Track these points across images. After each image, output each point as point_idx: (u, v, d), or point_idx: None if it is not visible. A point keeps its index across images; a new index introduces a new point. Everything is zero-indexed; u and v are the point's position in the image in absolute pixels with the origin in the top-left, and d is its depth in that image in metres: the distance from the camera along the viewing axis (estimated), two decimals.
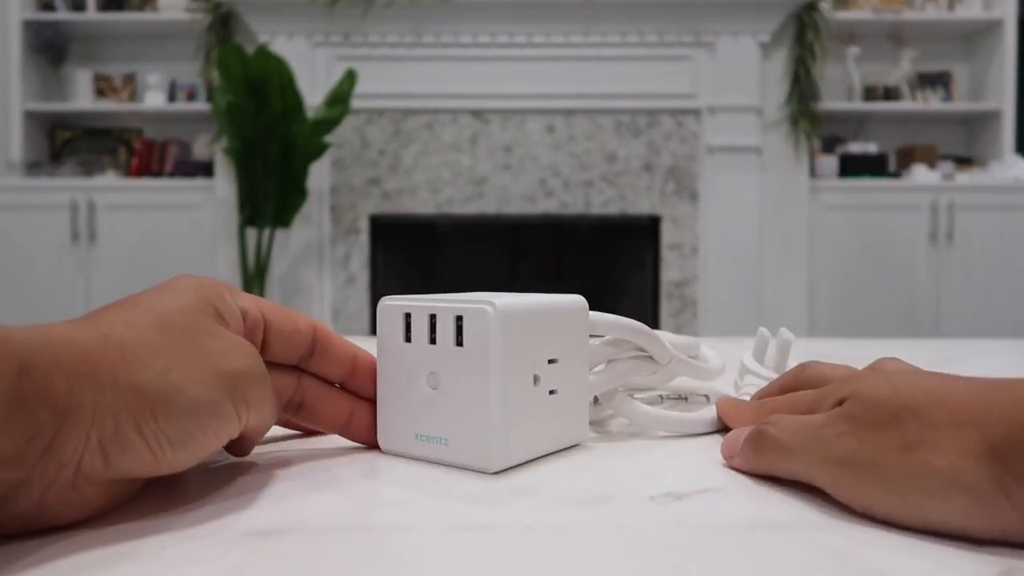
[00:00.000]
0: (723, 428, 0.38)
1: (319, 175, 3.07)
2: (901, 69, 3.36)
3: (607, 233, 3.37)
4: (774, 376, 0.41)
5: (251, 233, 2.95)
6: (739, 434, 0.32)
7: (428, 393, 0.31)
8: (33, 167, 3.34)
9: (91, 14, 3.33)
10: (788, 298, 3.17)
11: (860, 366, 0.35)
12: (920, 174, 3.23)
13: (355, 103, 2.92)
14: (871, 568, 0.22)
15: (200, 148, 3.41)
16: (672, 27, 3.08)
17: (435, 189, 3.12)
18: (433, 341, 0.31)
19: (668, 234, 3.12)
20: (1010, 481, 0.22)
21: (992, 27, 3.34)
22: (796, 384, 0.34)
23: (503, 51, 3.09)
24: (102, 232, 3.18)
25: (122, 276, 3.18)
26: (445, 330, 0.31)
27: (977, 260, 3.15)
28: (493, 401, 0.30)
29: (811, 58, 3.12)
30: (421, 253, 3.48)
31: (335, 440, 0.36)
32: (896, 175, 3.34)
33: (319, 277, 3.13)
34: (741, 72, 3.09)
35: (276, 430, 0.38)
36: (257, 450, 0.34)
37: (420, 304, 0.32)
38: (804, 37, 3.13)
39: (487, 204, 3.12)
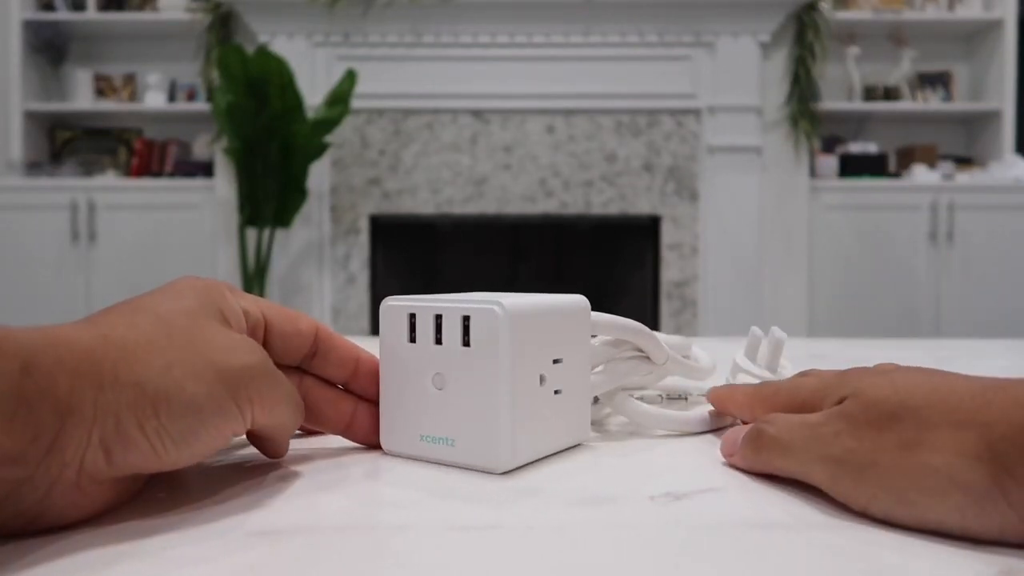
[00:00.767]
0: (723, 427, 0.38)
1: (319, 175, 3.07)
2: (901, 69, 3.36)
3: (607, 233, 3.37)
4: (767, 375, 0.41)
5: (251, 233, 2.95)
6: (738, 432, 0.32)
7: (434, 394, 0.31)
8: (33, 167, 3.34)
9: (91, 14, 3.33)
10: (788, 298, 3.17)
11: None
12: (920, 174, 3.23)
13: (355, 103, 2.92)
14: (871, 568, 0.22)
15: (200, 148, 3.41)
16: (672, 27, 3.08)
17: (435, 189, 3.12)
18: (439, 341, 0.31)
19: (668, 234, 3.12)
20: (1008, 481, 0.22)
21: (992, 27, 3.34)
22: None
23: (503, 51, 3.09)
24: (102, 232, 3.18)
25: (122, 276, 3.18)
26: (451, 330, 0.31)
27: (977, 260, 3.15)
28: (501, 401, 0.30)
29: (811, 58, 3.12)
30: (421, 253, 3.48)
31: (337, 440, 0.36)
32: (896, 175, 3.34)
33: (319, 277, 3.13)
34: (741, 72, 3.09)
35: None
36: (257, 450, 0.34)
37: (425, 304, 0.31)
38: (804, 37, 3.13)
39: (487, 204, 3.12)
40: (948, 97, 3.43)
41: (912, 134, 3.48)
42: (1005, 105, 3.30)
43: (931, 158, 3.32)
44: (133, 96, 3.46)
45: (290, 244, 3.10)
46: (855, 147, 3.36)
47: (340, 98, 2.78)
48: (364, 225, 3.13)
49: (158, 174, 3.37)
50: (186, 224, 3.19)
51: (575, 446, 0.35)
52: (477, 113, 3.11)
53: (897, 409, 0.25)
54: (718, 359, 0.46)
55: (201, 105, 3.31)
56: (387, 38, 3.10)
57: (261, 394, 0.27)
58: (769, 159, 3.14)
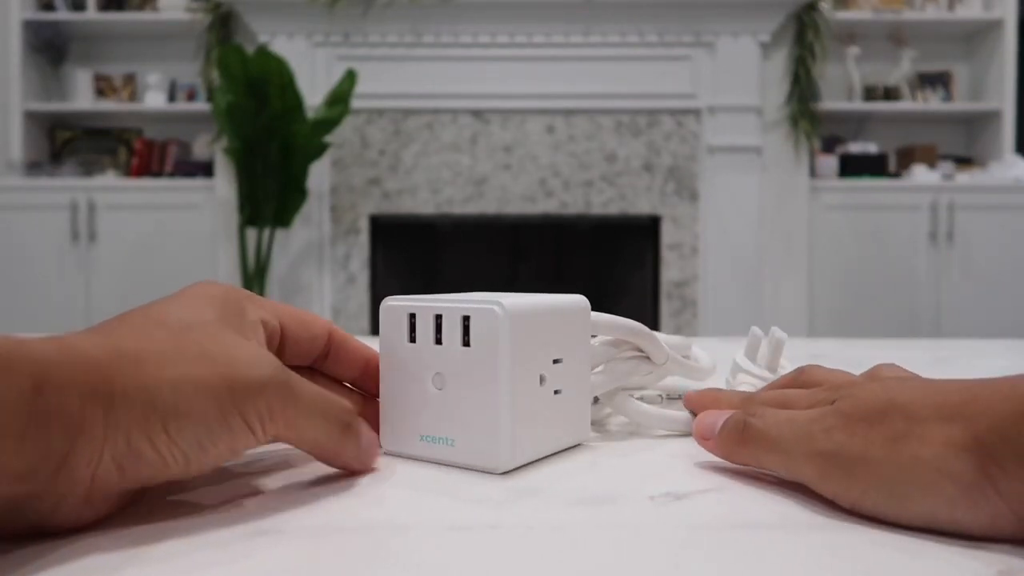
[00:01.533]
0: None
1: (319, 175, 3.07)
2: (901, 69, 3.36)
3: (607, 233, 3.37)
4: (767, 375, 0.41)
5: (251, 233, 2.95)
6: (715, 416, 0.31)
7: (434, 394, 0.31)
8: (33, 167, 3.34)
9: (91, 14, 3.33)
10: (788, 298, 3.17)
11: (860, 366, 0.35)
12: (920, 174, 3.23)
13: (355, 103, 2.92)
14: (871, 568, 0.22)
15: (200, 148, 3.41)
16: (672, 27, 3.08)
17: (435, 189, 3.12)
18: (439, 341, 0.31)
19: (668, 234, 3.12)
20: (995, 470, 0.23)
21: (992, 27, 3.34)
22: (793, 385, 0.34)
23: (503, 51, 3.09)
24: (102, 232, 3.18)
25: (122, 276, 3.18)
26: (451, 330, 0.30)
27: (977, 260, 3.15)
28: (501, 401, 0.30)
29: (811, 58, 3.12)
30: (421, 253, 3.48)
31: None
32: (896, 175, 3.34)
33: (319, 277, 3.13)
34: (741, 72, 3.09)
35: None
36: (260, 450, 0.34)
37: (425, 304, 0.31)
38: (804, 37, 3.13)
39: (487, 204, 3.13)
40: (948, 97, 3.43)
41: (912, 134, 3.48)
42: (1005, 105, 3.30)
43: (931, 158, 3.32)
44: (133, 96, 3.46)
45: (290, 244, 3.10)
46: (855, 147, 3.36)
47: (340, 98, 2.78)
48: (364, 225, 3.13)
49: (158, 174, 3.37)
50: (186, 224, 3.19)
51: (575, 446, 0.35)
52: (477, 113, 3.11)
53: (887, 406, 0.26)
54: (718, 359, 0.46)
55: (201, 105, 3.31)
56: (387, 38, 3.10)
57: (274, 410, 0.26)
58: (769, 159, 3.14)
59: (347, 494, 0.28)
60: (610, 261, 3.46)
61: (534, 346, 0.31)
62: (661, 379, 0.40)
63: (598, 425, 0.40)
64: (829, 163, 3.27)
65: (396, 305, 0.32)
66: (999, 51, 3.31)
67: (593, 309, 0.35)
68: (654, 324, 3.13)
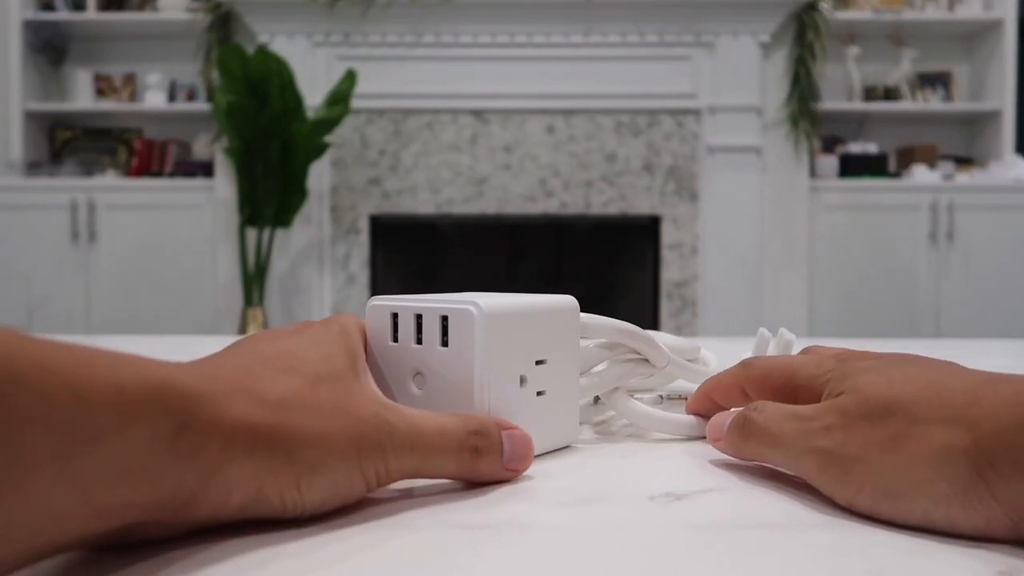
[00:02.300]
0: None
1: (319, 175, 3.07)
2: (901, 69, 3.36)
3: (607, 233, 3.37)
4: None
5: (251, 233, 2.95)
6: (725, 416, 0.32)
7: (415, 393, 0.31)
8: (33, 167, 3.34)
9: (91, 14, 3.33)
10: (788, 298, 3.17)
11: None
12: (920, 174, 3.23)
13: (355, 103, 2.92)
14: (870, 567, 0.22)
15: (200, 148, 3.41)
16: (672, 27, 3.08)
17: (435, 189, 3.12)
18: (420, 341, 0.31)
19: (668, 234, 3.12)
20: (992, 475, 0.23)
21: (992, 27, 3.34)
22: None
23: (503, 51, 3.09)
24: (102, 232, 3.18)
25: (122, 276, 3.18)
26: (431, 330, 0.30)
27: (977, 260, 3.15)
28: (478, 402, 0.30)
29: (811, 58, 3.12)
30: (421, 253, 3.48)
31: None
32: (896, 175, 3.34)
33: (319, 277, 3.13)
34: (741, 72, 3.09)
35: None
36: None
37: (407, 304, 0.31)
38: (804, 37, 3.13)
39: (487, 204, 3.13)
40: (948, 97, 3.43)
41: (912, 134, 3.48)
42: (1005, 105, 3.30)
43: (931, 158, 3.32)
44: (133, 96, 3.46)
45: (290, 244, 3.10)
46: (855, 147, 3.36)
47: (340, 98, 2.78)
48: (364, 225, 3.13)
49: (158, 174, 3.37)
50: (186, 224, 3.19)
51: (575, 447, 0.35)
52: (477, 113, 3.11)
53: (889, 404, 0.26)
54: (720, 360, 0.46)
55: (201, 105, 3.31)
56: (387, 38, 3.10)
57: (390, 465, 0.26)
58: (769, 159, 3.14)
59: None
60: (610, 261, 3.46)
61: (514, 347, 0.31)
62: (670, 382, 0.40)
63: (599, 426, 0.40)
64: (829, 163, 3.27)
65: (380, 305, 0.32)
66: (999, 51, 3.31)
67: (593, 309, 0.35)
68: (654, 324, 3.13)
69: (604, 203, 3.12)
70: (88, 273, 3.19)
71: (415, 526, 0.25)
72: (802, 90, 3.13)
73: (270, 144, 2.71)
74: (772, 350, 0.42)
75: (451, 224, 3.27)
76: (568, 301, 0.34)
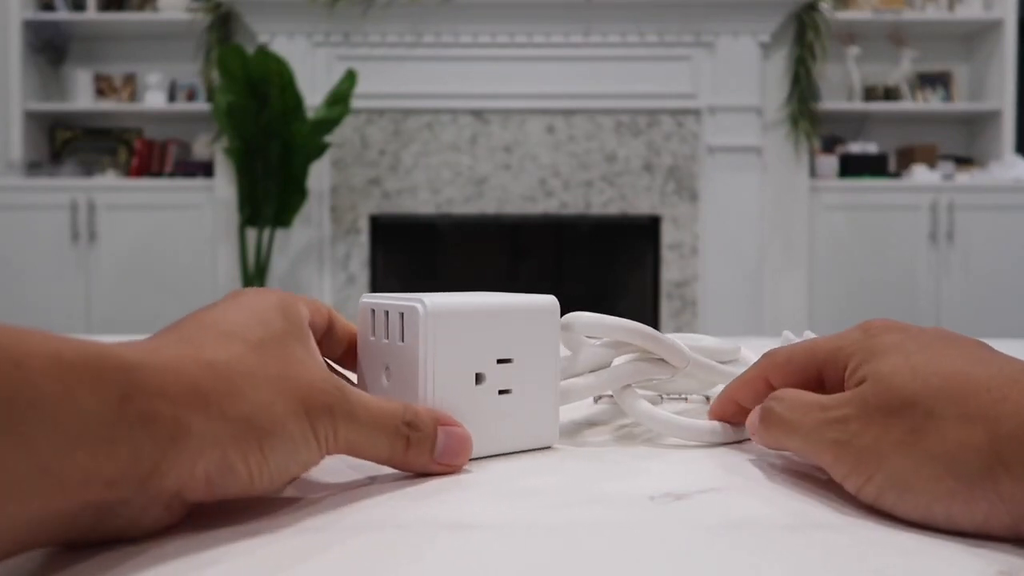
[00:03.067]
0: (737, 440, 0.36)
1: (319, 175, 3.07)
2: (901, 69, 3.36)
3: (607, 233, 3.37)
4: None
5: (251, 233, 2.95)
6: (757, 412, 0.32)
7: (384, 385, 0.33)
8: (33, 167, 3.34)
9: (91, 14, 3.33)
10: (788, 298, 3.17)
11: None
12: (920, 174, 3.23)
13: (355, 103, 2.92)
14: (871, 566, 0.22)
15: (200, 148, 3.41)
16: (672, 27, 3.08)
17: (435, 189, 3.12)
18: (388, 336, 0.32)
19: (668, 234, 3.12)
20: (1002, 473, 0.23)
21: (992, 27, 3.34)
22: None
23: (503, 51, 3.10)
24: (102, 232, 3.18)
25: (122, 276, 3.18)
26: (394, 327, 0.32)
27: (977, 260, 3.15)
28: (421, 396, 0.31)
29: (811, 58, 3.12)
30: (421, 253, 3.48)
31: None
32: (896, 175, 3.34)
33: (319, 277, 3.13)
34: (741, 72, 3.09)
35: None
36: None
37: (380, 301, 0.33)
38: (804, 37, 3.13)
39: (487, 204, 3.13)
40: (948, 97, 3.43)
41: (912, 134, 3.48)
42: (1005, 105, 3.30)
43: (931, 158, 3.32)
44: (133, 96, 3.46)
45: (290, 244, 3.10)
46: (855, 147, 3.36)
47: (340, 98, 2.78)
48: (364, 225, 3.13)
49: (158, 174, 3.37)
50: (186, 224, 3.19)
51: (574, 446, 0.35)
52: (477, 113, 3.11)
53: (910, 398, 0.25)
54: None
55: (201, 105, 3.31)
56: (387, 38, 3.10)
57: (338, 430, 0.27)
58: (769, 159, 3.14)
59: (343, 494, 0.28)
60: (610, 261, 3.46)
61: (467, 345, 0.32)
62: (711, 386, 0.39)
63: (599, 426, 0.40)
64: (829, 163, 3.27)
65: (364, 302, 0.34)
66: (999, 51, 3.31)
67: (593, 309, 0.35)
68: (654, 324, 3.13)
69: (604, 203, 3.12)
70: (88, 273, 3.19)
71: (417, 527, 0.25)
72: (802, 90, 3.13)
73: (270, 144, 2.71)
74: None
75: (451, 224, 3.27)
76: (545, 301, 0.34)
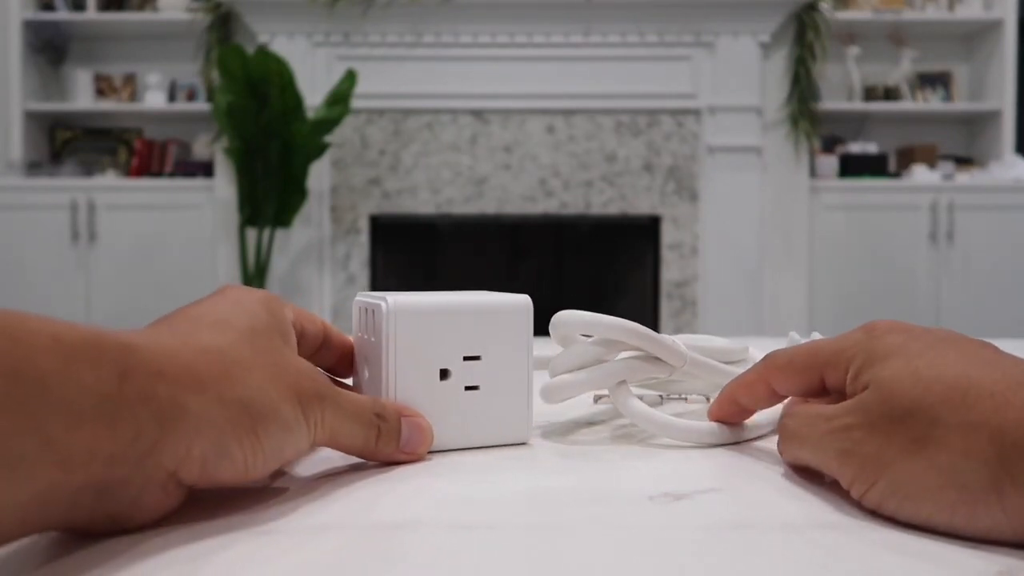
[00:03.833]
0: (742, 440, 0.36)
1: (319, 175, 3.07)
2: (901, 69, 3.36)
3: (607, 233, 3.37)
4: None
5: (251, 233, 2.95)
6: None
7: (366, 379, 0.34)
8: (33, 167, 3.34)
9: (91, 14, 3.33)
10: (788, 298, 3.17)
11: None
12: (920, 174, 3.23)
13: (355, 103, 2.92)
14: (870, 567, 0.22)
15: (200, 148, 3.41)
16: (672, 27, 3.08)
17: (435, 189, 3.12)
18: (367, 332, 0.34)
19: (668, 234, 3.12)
20: (1008, 485, 0.22)
21: (992, 27, 3.34)
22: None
23: (503, 51, 3.09)
24: (102, 232, 3.18)
25: (122, 276, 3.18)
26: (369, 323, 0.33)
27: (977, 260, 3.15)
28: (384, 389, 0.32)
29: (811, 58, 3.12)
30: (421, 253, 3.48)
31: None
32: (896, 175, 3.34)
33: (319, 277, 3.13)
34: (741, 72, 3.09)
35: None
36: None
37: (364, 300, 0.34)
38: (804, 37, 3.13)
39: (487, 204, 3.13)
40: (948, 97, 3.43)
41: (912, 134, 3.48)
42: (1005, 105, 3.30)
43: (931, 158, 3.32)
44: (133, 96, 3.46)
45: (290, 244, 3.10)
46: (855, 147, 3.36)
47: (340, 98, 2.78)
48: (364, 225, 3.13)
49: (158, 174, 3.37)
50: (186, 224, 3.19)
51: (572, 445, 0.35)
52: (477, 113, 3.11)
53: (913, 405, 0.25)
54: None
55: (201, 105, 3.31)
56: (387, 38, 3.10)
57: (325, 418, 0.28)
58: (769, 159, 3.14)
59: (343, 494, 0.28)
60: (610, 261, 3.46)
61: (431, 342, 0.33)
62: (715, 387, 0.38)
63: (599, 425, 0.40)
64: (829, 163, 3.27)
65: (356, 300, 0.35)
66: (999, 51, 3.31)
67: (593, 309, 0.35)
68: (654, 324, 3.13)
69: (604, 203, 3.12)
70: (88, 273, 3.19)
71: (416, 527, 0.25)
72: (802, 90, 3.13)
73: (270, 144, 2.71)
74: None
75: (451, 224, 3.27)
76: (517, 300, 0.35)
